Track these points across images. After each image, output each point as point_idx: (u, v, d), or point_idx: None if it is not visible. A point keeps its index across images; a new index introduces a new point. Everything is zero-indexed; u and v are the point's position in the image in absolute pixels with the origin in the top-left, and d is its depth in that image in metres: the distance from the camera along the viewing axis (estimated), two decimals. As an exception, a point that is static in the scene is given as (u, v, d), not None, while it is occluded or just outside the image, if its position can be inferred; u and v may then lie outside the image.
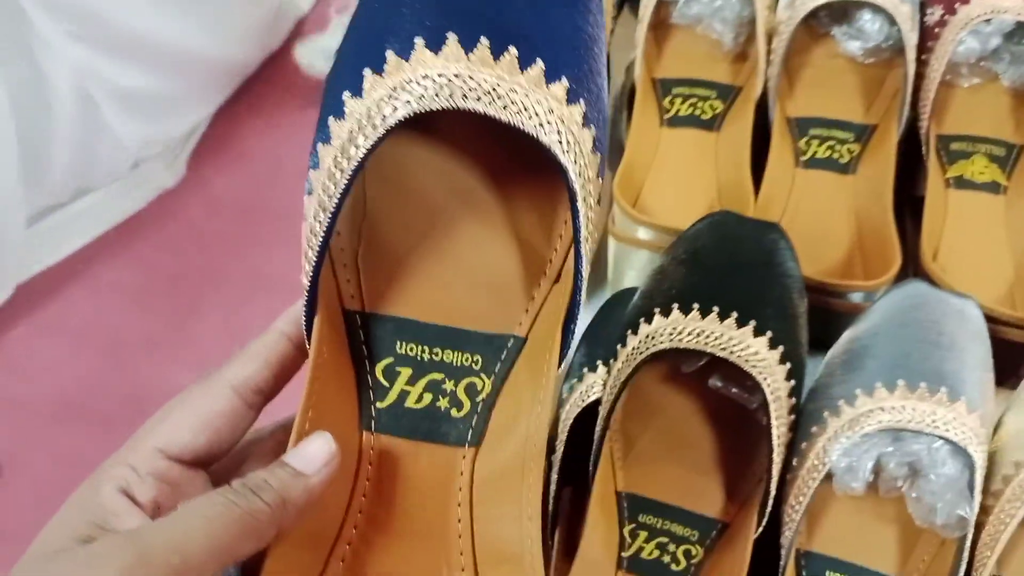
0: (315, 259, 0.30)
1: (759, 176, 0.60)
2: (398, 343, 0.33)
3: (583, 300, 0.32)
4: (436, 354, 0.33)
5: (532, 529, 0.30)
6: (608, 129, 0.33)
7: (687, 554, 0.46)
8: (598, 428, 0.46)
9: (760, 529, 0.45)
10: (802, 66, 0.63)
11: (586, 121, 0.30)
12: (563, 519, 0.51)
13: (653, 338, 0.44)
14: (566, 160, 0.29)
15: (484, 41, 0.28)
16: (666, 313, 0.45)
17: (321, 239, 0.29)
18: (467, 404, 0.34)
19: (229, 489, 0.27)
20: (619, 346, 0.47)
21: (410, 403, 0.33)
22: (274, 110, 1.93)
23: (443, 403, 0.33)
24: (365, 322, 0.33)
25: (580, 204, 0.30)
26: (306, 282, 0.30)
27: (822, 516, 0.46)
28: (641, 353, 0.45)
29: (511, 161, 0.32)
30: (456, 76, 0.28)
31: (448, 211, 0.34)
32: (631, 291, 0.53)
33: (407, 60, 0.28)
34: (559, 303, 0.32)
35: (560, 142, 0.29)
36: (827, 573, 0.45)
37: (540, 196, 0.32)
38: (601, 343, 0.52)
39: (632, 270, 0.58)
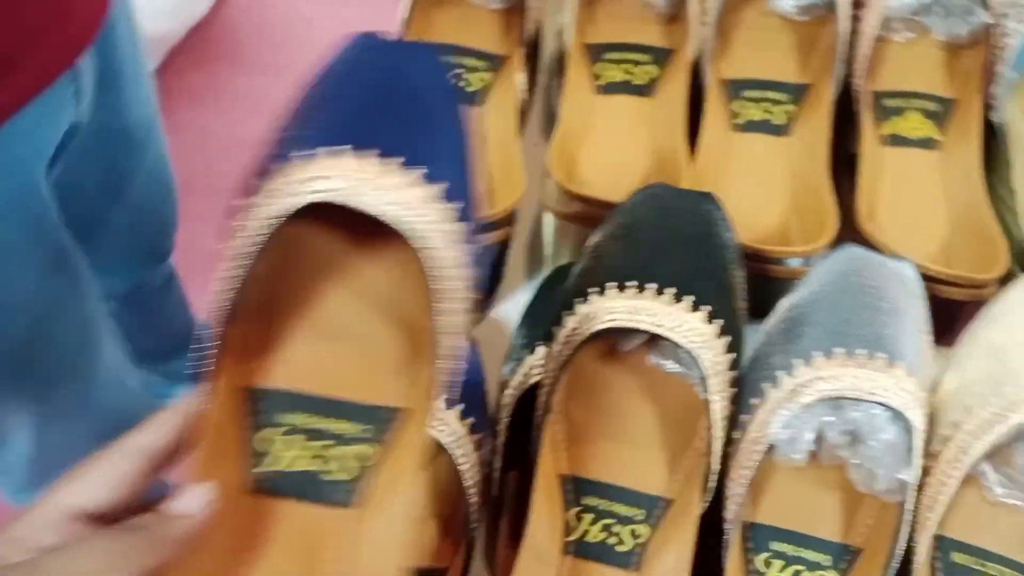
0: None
1: (695, 141, 0.59)
2: (285, 413, 0.36)
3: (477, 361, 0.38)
4: (321, 423, 0.36)
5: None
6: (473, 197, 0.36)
7: (633, 534, 0.45)
8: (539, 411, 0.46)
9: (705, 504, 0.44)
10: (735, 26, 0.62)
11: (451, 214, 0.33)
12: (509, 504, 0.50)
13: (591, 319, 0.44)
14: (422, 242, 0.32)
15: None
16: (602, 292, 0.44)
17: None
18: (350, 469, 0.36)
19: (115, 527, 0.31)
20: (557, 328, 0.46)
21: (294, 467, 0.36)
22: (198, 82, 1.88)
23: (325, 467, 0.36)
24: (256, 394, 0.36)
25: (441, 278, 0.33)
26: (200, 356, 0.34)
27: (766, 487, 0.46)
28: (579, 335, 0.44)
29: (388, 242, 0.34)
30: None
31: (332, 290, 0.38)
32: (569, 267, 0.52)
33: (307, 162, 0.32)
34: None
35: (414, 226, 0.32)
36: (772, 543, 0.45)
37: (417, 272, 0.34)
38: (540, 323, 0.51)
39: (570, 245, 0.57)
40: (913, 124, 0.60)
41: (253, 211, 0.33)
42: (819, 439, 0.44)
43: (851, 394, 0.41)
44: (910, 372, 0.42)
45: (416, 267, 0.33)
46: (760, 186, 0.58)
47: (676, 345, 0.43)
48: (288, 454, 0.36)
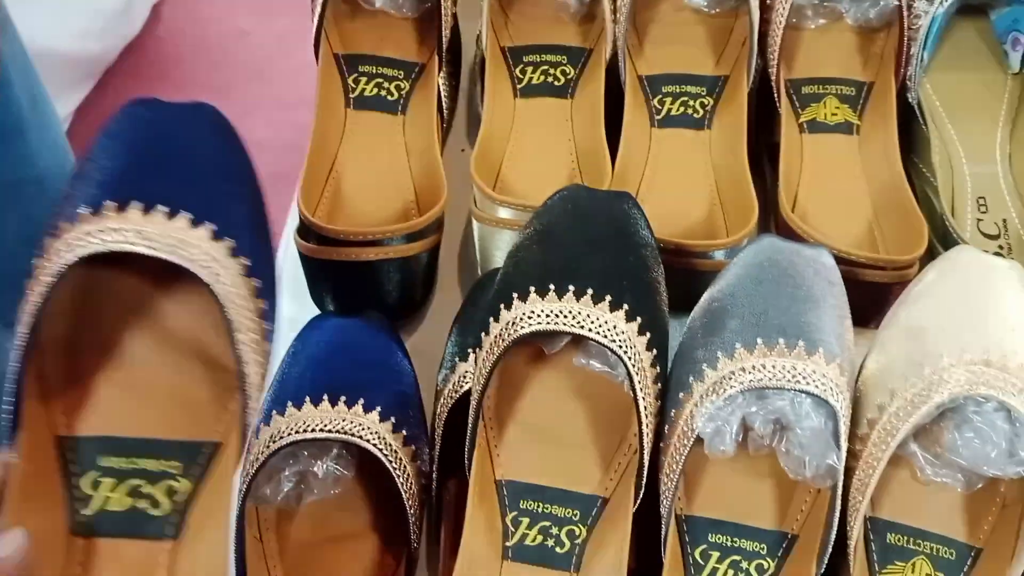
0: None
1: (617, 139, 0.59)
2: (100, 457, 0.39)
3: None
4: (135, 463, 0.39)
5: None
6: (270, 249, 0.41)
7: (571, 535, 0.46)
8: (470, 418, 0.45)
9: (638, 501, 0.45)
10: (649, 22, 0.62)
11: (234, 253, 0.37)
12: (449, 512, 0.50)
13: (514, 324, 0.44)
14: (218, 288, 0.36)
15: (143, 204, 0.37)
16: (524, 297, 0.44)
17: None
18: (166, 503, 0.39)
19: None
20: (483, 334, 0.46)
21: (114, 507, 0.39)
22: (138, 101, 1.85)
23: (143, 504, 0.39)
24: (71, 442, 0.39)
25: (237, 327, 0.36)
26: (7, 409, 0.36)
27: (699, 480, 0.47)
28: (504, 340, 0.44)
29: (184, 284, 0.38)
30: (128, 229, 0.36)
31: (134, 333, 0.41)
32: (496, 273, 0.52)
33: (96, 214, 0.36)
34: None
35: (208, 272, 0.36)
36: (709, 535, 0.46)
37: (214, 310, 0.37)
38: (471, 330, 0.51)
39: (498, 250, 0.57)
40: (831, 110, 0.61)
41: (43, 268, 0.37)
42: (747, 430, 0.44)
43: (773, 384, 0.42)
44: (830, 358, 0.43)
45: (213, 305, 0.36)
46: (683, 180, 0.59)
47: (599, 344, 0.43)
48: (108, 494, 0.39)
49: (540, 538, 0.46)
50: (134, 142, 0.40)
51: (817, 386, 0.42)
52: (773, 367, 0.42)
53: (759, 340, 0.43)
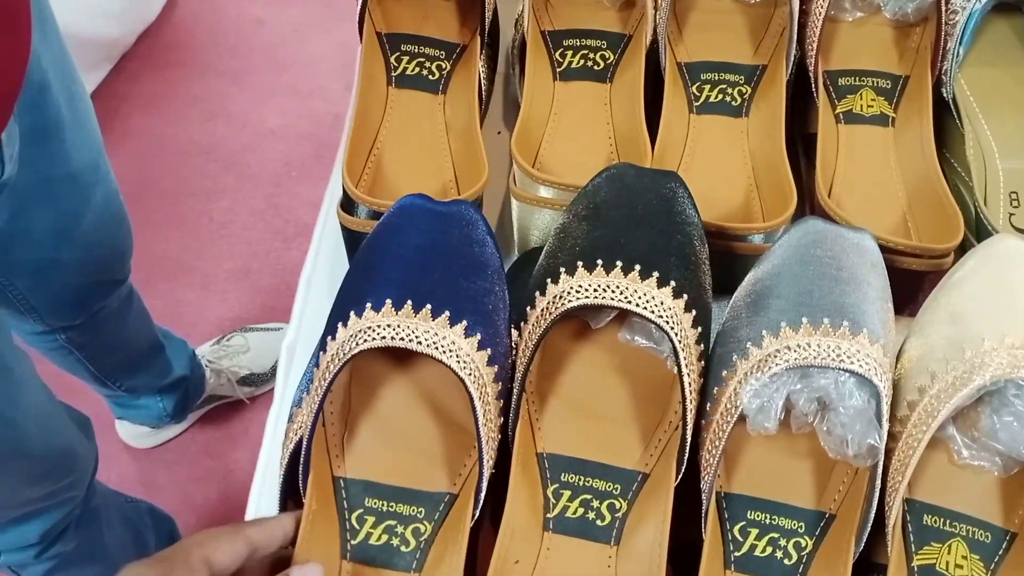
0: (308, 436, 0.43)
1: (656, 125, 0.59)
2: (367, 498, 0.46)
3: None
4: (392, 506, 0.45)
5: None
6: (508, 337, 0.46)
7: (611, 508, 0.46)
8: (515, 391, 0.46)
9: (679, 476, 0.45)
10: (689, 10, 0.63)
11: (481, 346, 0.43)
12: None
13: (561, 298, 0.44)
14: (469, 383, 0.42)
15: (411, 302, 0.43)
16: (571, 271, 0.44)
17: (311, 422, 0.43)
18: (413, 542, 0.45)
19: None
20: (528, 308, 0.46)
21: (373, 541, 0.45)
22: (152, 87, 1.86)
23: (395, 541, 0.45)
24: (346, 483, 0.46)
25: (477, 399, 0.42)
26: (289, 449, 0.46)
27: (739, 458, 0.47)
28: (551, 313, 0.44)
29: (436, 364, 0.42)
30: (398, 326, 0.42)
31: (405, 406, 0.47)
32: (537, 251, 0.53)
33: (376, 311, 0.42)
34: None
35: (461, 368, 0.42)
36: (748, 513, 0.46)
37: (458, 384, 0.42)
38: (512, 306, 0.51)
39: (536, 230, 0.57)
40: (867, 101, 0.61)
41: (335, 346, 0.42)
42: (789, 408, 0.45)
43: (818, 362, 0.42)
44: (874, 339, 0.43)
45: (458, 382, 0.42)
46: (720, 166, 0.59)
47: (645, 320, 0.43)
48: (371, 530, 0.45)
49: (581, 511, 0.46)
50: (407, 242, 0.45)
51: (861, 365, 0.42)
52: (818, 346, 0.43)
53: (804, 319, 0.44)
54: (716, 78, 0.61)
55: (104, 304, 1.00)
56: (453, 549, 0.44)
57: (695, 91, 0.61)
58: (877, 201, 0.59)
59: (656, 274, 0.44)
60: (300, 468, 0.44)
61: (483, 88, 0.63)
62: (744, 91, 0.61)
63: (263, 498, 0.54)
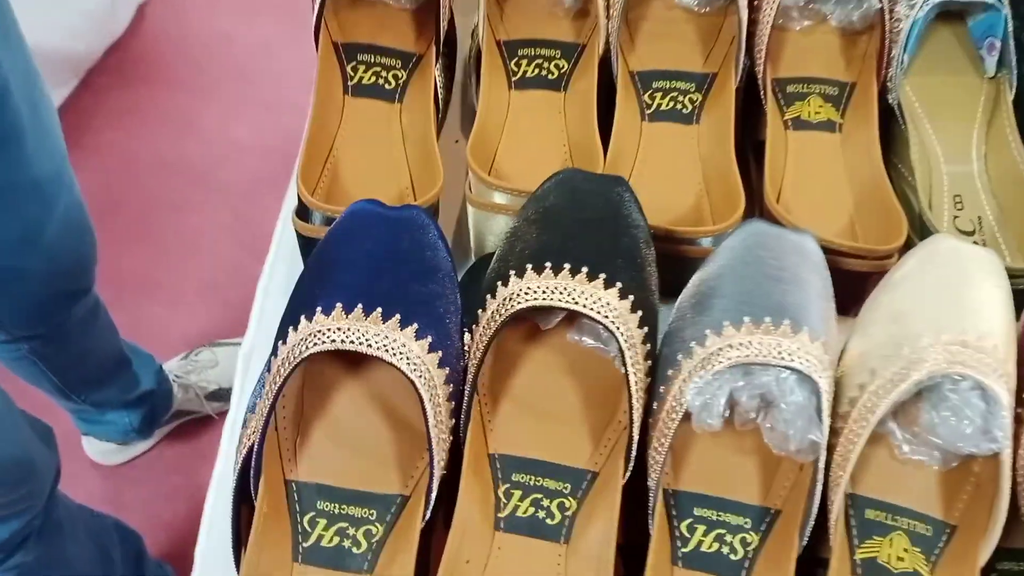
0: (259, 440, 0.44)
1: (609, 132, 0.60)
2: (319, 501, 0.46)
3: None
4: (344, 509, 0.46)
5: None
6: (459, 340, 0.47)
7: (561, 507, 0.47)
8: (466, 392, 0.47)
9: (627, 474, 0.46)
10: (641, 19, 0.64)
11: (432, 348, 0.44)
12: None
13: (510, 300, 0.45)
14: (420, 385, 0.42)
15: (361, 305, 0.43)
16: (521, 274, 0.45)
17: (263, 425, 0.43)
18: (364, 544, 0.45)
19: None
20: (480, 311, 0.47)
21: (324, 543, 0.45)
22: (120, 101, 1.85)
23: (347, 543, 0.45)
24: (298, 486, 0.46)
25: (427, 400, 0.42)
26: (242, 454, 0.46)
27: (687, 455, 0.48)
28: (500, 315, 0.45)
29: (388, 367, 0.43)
30: (348, 329, 0.42)
31: (357, 409, 0.48)
32: (492, 257, 0.53)
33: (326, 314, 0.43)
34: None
35: (411, 370, 0.42)
36: (695, 509, 0.47)
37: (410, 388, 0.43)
38: (466, 311, 0.52)
39: (492, 235, 0.58)
40: (815, 108, 0.63)
41: (285, 351, 0.43)
42: (733, 405, 0.46)
43: (760, 360, 0.43)
44: (814, 337, 0.44)
45: (409, 385, 0.42)
46: (672, 172, 0.60)
47: (593, 321, 0.44)
48: (323, 532, 0.45)
49: (532, 510, 0.47)
50: (359, 248, 0.46)
51: (801, 363, 0.43)
52: (759, 344, 0.44)
53: (746, 318, 0.45)
54: (668, 86, 0.63)
55: (68, 315, 1.00)
56: (404, 550, 0.44)
57: (647, 99, 0.62)
58: (825, 205, 0.60)
59: (603, 276, 0.45)
60: (251, 472, 0.44)
61: (440, 97, 0.63)
62: (695, 99, 0.62)
63: (218, 506, 0.54)
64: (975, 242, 0.60)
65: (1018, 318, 0.50)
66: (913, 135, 0.62)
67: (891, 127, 0.63)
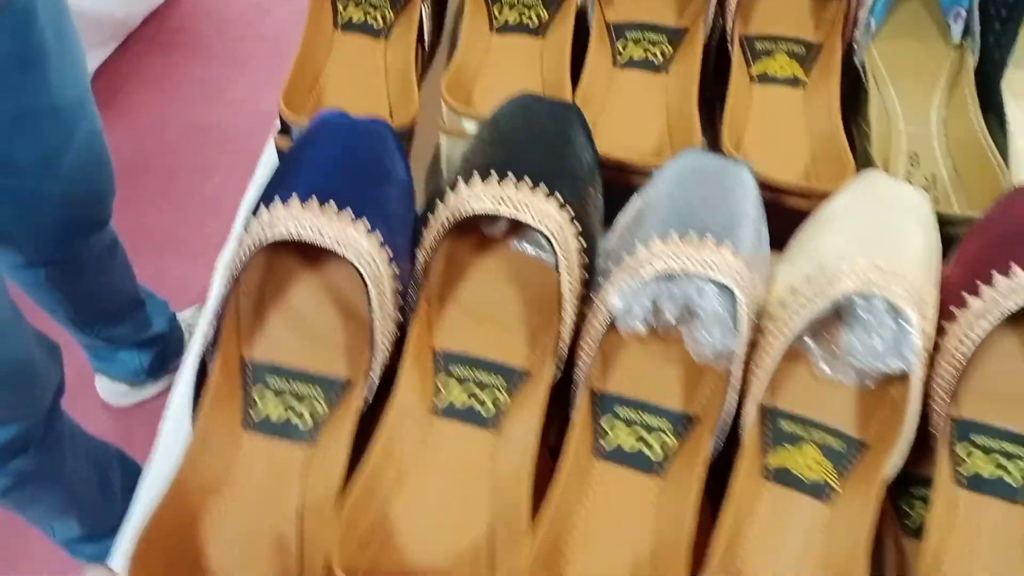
0: (218, 315, 0.48)
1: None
2: (269, 378, 0.50)
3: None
4: (292, 386, 0.50)
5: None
6: (410, 241, 0.51)
7: (495, 400, 0.50)
8: (413, 290, 0.50)
9: (558, 374, 0.49)
10: (620, -26, 0.68)
11: (382, 245, 0.47)
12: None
13: (458, 205, 0.48)
14: (366, 276, 0.46)
15: (317, 199, 0.46)
16: (468, 182, 0.49)
17: (221, 303, 0.48)
18: (309, 420, 0.49)
19: None
20: (430, 214, 0.50)
21: (272, 416, 0.49)
22: (156, 67, 1.92)
23: (293, 417, 0.49)
24: (253, 364, 0.50)
25: (373, 291, 0.46)
26: (211, 331, 0.49)
27: (615, 360, 0.51)
28: (448, 219, 0.49)
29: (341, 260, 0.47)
30: (304, 219, 0.46)
31: (314, 300, 0.52)
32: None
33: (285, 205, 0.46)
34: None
35: (359, 261, 0.46)
36: (617, 409, 0.50)
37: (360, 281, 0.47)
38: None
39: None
40: (781, 64, 0.66)
41: (248, 239, 0.46)
42: (659, 315, 0.49)
43: (681, 269, 0.46)
44: (736, 251, 0.47)
45: (359, 278, 0.46)
46: (637, 116, 0.64)
47: (532, 228, 0.47)
48: (271, 405, 0.49)
49: (468, 400, 0.50)
50: (321, 150, 0.50)
51: (721, 273, 0.46)
52: (684, 255, 0.47)
53: (674, 232, 0.48)
54: (640, 37, 0.66)
55: (85, 245, 1.05)
56: (345, 429, 0.48)
57: (619, 47, 0.66)
58: (782, 154, 0.63)
59: (545, 188, 0.48)
60: (209, 346, 0.48)
61: (427, 40, 0.67)
62: (666, 50, 0.66)
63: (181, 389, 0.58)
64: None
65: (945, 259, 0.53)
66: (875, 95, 0.65)
67: (859, 87, 0.66)
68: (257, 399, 0.49)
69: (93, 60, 1.80)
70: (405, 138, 0.60)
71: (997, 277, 0.49)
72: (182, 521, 0.46)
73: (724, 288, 0.47)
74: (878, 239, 0.49)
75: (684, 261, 0.47)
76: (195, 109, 1.86)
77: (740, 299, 0.47)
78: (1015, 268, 0.48)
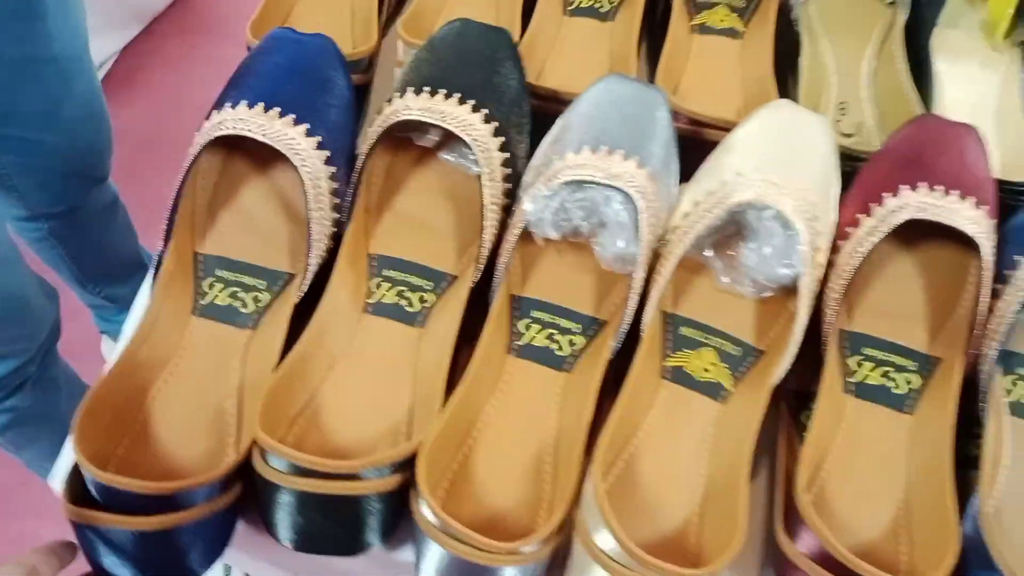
0: (171, 209, 0.54)
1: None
2: (218, 269, 0.55)
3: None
4: (238, 277, 0.55)
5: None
6: (349, 146, 0.57)
7: (422, 300, 0.55)
8: (351, 199, 0.55)
9: (476, 279, 0.54)
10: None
11: (320, 146, 0.52)
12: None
13: (392, 115, 0.53)
14: (303, 173, 0.51)
15: (262, 104, 0.52)
16: (402, 95, 0.54)
17: (174, 198, 0.54)
18: (252, 307, 0.55)
19: None
20: (369, 127, 0.55)
21: (219, 301, 0.55)
22: (178, 50, 1.99)
23: (237, 304, 0.54)
24: (204, 257, 0.56)
25: (309, 187, 0.51)
26: (165, 226, 0.54)
27: (535, 268, 0.56)
28: (381, 127, 0.53)
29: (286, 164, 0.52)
30: (249, 120, 0.52)
31: (263, 200, 0.57)
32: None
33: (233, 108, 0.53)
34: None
35: (296, 158, 0.51)
36: (533, 312, 0.55)
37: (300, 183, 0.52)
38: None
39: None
40: (721, 16, 0.70)
41: (198, 137, 0.52)
42: (572, 226, 0.53)
43: (588, 178, 0.51)
44: (641, 165, 0.52)
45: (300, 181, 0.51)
46: (582, 59, 0.68)
47: (457, 135, 0.52)
48: (218, 294, 0.54)
49: (396, 299, 0.55)
50: (269, 62, 0.56)
51: (625, 184, 0.51)
52: (591, 166, 0.51)
53: (587, 147, 0.52)
54: (590, -10, 0.71)
55: (86, 199, 1.10)
56: (283, 316, 0.53)
57: (570, -1, 0.71)
58: (716, 98, 0.67)
59: (472, 102, 0.53)
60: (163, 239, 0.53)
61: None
62: (613, 1, 0.70)
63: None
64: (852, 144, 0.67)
65: (844, 187, 0.57)
66: (808, 47, 0.69)
67: (789, 37, 0.70)
68: (207, 289, 0.54)
69: (119, 41, 1.88)
70: (363, 67, 0.65)
71: (886, 197, 0.53)
72: (130, 393, 0.51)
73: (628, 198, 0.51)
74: (776, 159, 0.53)
75: (591, 171, 0.51)
76: (212, 89, 1.91)
77: (641, 207, 0.51)
78: (902, 188, 0.52)
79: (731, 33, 0.70)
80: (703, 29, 0.70)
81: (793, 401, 0.55)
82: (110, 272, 1.26)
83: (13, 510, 1.34)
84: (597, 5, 0.70)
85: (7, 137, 0.92)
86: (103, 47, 1.83)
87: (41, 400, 1.00)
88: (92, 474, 0.44)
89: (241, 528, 0.51)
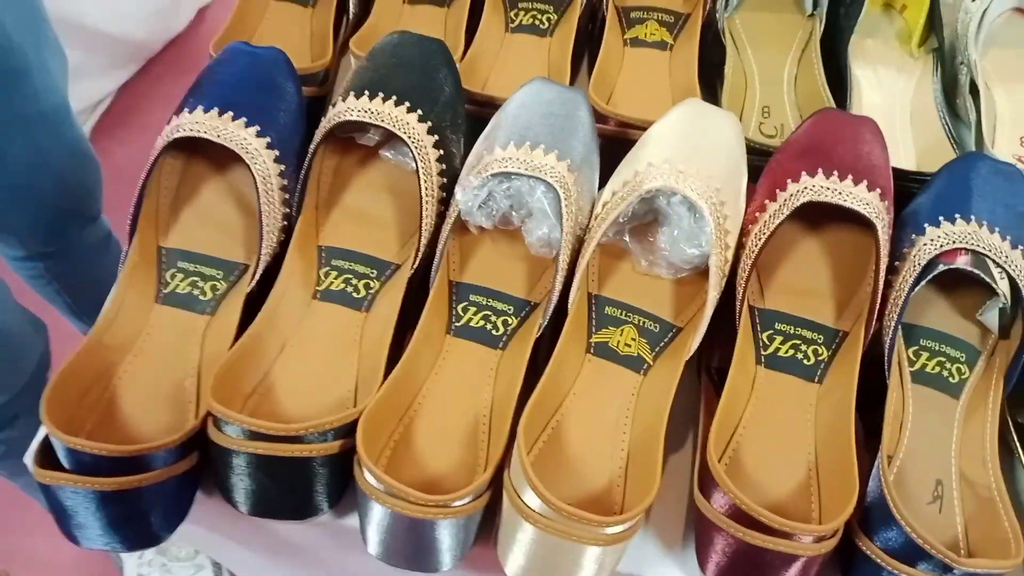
0: (135, 206, 0.59)
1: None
2: (179, 261, 0.60)
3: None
4: (197, 268, 0.60)
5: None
6: (298, 148, 0.62)
7: (367, 286, 0.60)
8: (298, 196, 0.60)
9: (415, 266, 0.58)
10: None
11: (269, 146, 0.58)
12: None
13: (335, 116, 0.59)
14: (255, 171, 0.57)
15: (216, 109, 0.58)
16: (345, 99, 0.59)
17: (137, 196, 0.59)
18: (210, 295, 0.60)
19: None
20: (315, 131, 0.61)
21: (179, 290, 0.60)
22: (173, 89, 2.04)
23: (196, 292, 0.59)
24: (166, 251, 0.61)
25: (260, 184, 0.57)
26: (129, 221, 0.59)
27: (471, 255, 0.60)
28: (325, 127, 0.59)
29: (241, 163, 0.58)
30: (204, 123, 0.57)
31: (221, 197, 0.63)
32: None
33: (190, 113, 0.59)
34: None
35: (248, 156, 0.57)
36: (471, 296, 0.59)
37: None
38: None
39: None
40: (651, 30, 0.76)
41: (160, 140, 0.57)
42: (502, 214, 0.58)
43: (512, 169, 0.56)
44: (561, 158, 0.57)
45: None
46: (522, 71, 0.74)
47: (392, 134, 0.57)
48: (180, 283, 0.59)
49: (343, 286, 0.60)
50: (225, 71, 0.61)
51: (547, 175, 0.56)
52: (517, 159, 0.56)
53: (512, 143, 0.57)
54: (530, 7, 0.76)
55: (79, 237, 1.14)
56: (238, 304, 0.58)
57: (511, 16, 0.76)
58: (646, 105, 0.72)
59: (407, 104, 0.58)
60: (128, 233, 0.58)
61: (350, 11, 0.78)
62: (552, 18, 0.76)
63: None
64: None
65: (754, 180, 0.62)
66: (732, 56, 0.74)
67: (715, 48, 0.75)
68: (169, 279, 0.59)
69: (116, 80, 1.94)
70: (319, 80, 0.70)
71: (789, 183, 0.58)
72: (97, 372, 0.56)
73: (550, 188, 0.56)
74: (684, 150, 0.58)
75: (516, 164, 0.56)
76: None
77: (562, 196, 0.56)
78: (803, 175, 0.57)
79: (661, 46, 0.75)
80: (635, 42, 0.76)
81: (715, 376, 0.59)
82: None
83: (5, 526, 1.38)
84: (537, 23, 0.76)
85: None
86: (101, 86, 1.90)
87: (36, 431, 1.03)
88: (60, 439, 0.49)
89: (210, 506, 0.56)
